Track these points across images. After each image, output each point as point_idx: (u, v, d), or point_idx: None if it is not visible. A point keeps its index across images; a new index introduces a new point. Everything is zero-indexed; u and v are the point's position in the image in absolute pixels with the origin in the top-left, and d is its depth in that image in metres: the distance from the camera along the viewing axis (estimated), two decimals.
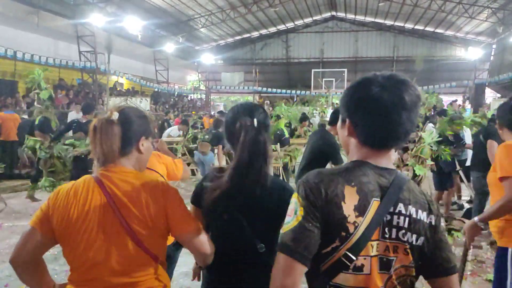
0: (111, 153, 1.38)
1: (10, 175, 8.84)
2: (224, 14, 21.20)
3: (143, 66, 22.17)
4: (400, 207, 1.07)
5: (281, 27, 26.17)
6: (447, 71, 24.82)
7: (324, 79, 23.16)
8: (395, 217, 1.07)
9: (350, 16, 25.48)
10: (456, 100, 24.33)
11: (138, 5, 17.13)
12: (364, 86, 1.09)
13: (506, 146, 2.26)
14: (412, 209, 1.08)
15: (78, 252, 1.35)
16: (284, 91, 24.90)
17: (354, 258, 1.02)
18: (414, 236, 1.08)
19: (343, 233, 1.02)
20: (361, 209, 1.03)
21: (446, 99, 24.12)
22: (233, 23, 23.25)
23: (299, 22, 26.21)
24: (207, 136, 7.12)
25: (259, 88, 26.33)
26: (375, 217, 1.04)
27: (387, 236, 1.06)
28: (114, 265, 1.34)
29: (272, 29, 26.45)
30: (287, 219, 1.06)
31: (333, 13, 25.71)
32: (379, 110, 1.06)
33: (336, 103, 23.25)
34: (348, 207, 1.03)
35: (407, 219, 1.07)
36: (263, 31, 26.56)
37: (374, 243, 1.04)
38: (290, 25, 26.20)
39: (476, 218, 2.19)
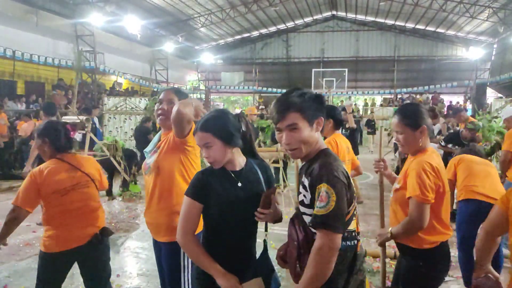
0: None
1: (6, 175, 8.85)
2: (224, 13, 21.13)
3: (142, 65, 22.09)
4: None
5: (281, 26, 26.09)
6: (448, 71, 24.75)
7: (324, 79, 23.06)
8: None
9: (351, 15, 25.40)
10: (457, 102, 24.29)
11: (138, 4, 17.05)
12: (322, 95, 1.66)
13: None
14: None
15: None
16: (284, 91, 24.68)
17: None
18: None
19: (354, 194, 1.53)
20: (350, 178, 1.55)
21: (447, 99, 24.10)
22: (233, 22, 23.18)
23: (299, 22, 26.13)
24: None
25: (259, 88, 26.25)
26: None
27: None
28: None
29: (272, 29, 26.38)
30: (320, 204, 1.43)
31: (334, 12, 25.64)
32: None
33: (337, 103, 23.19)
34: (350, 178, 1.53)
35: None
36: (263, 31, 26.48)
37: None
38: (290, 24, 26.12)
39: None
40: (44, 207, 2.51)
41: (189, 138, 2.16)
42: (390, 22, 24.71)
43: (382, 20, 24.62)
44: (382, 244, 2.33)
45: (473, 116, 17.83)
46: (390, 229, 2.20)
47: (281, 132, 1.57)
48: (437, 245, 2.12)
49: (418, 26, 24.05)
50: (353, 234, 1.54)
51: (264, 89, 25.95)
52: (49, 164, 2.51)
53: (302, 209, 1.58)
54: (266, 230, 1.87)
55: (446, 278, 3.75)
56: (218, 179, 1.78)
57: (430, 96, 22.86)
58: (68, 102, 13.86)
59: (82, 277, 2.64)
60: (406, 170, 2.18)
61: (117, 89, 18.51)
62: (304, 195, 1.55)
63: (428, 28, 24.07)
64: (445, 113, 21.36)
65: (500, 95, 21.21)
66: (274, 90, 24.92)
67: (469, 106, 23.29)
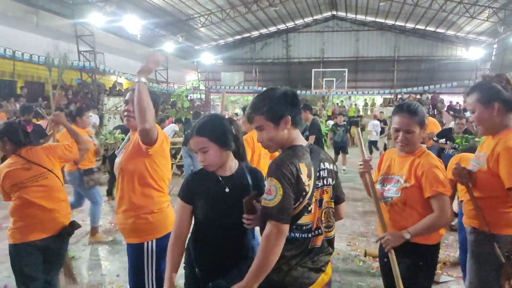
0: None
1: None
2: (224, 14, 21.12)
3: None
4: (322, 165, 1.72)
5: (281, 26, 26.09)
6: (448, 71, 24.75)
7: (324, 79, 23.06)
8: (321, 172, 1.71)
9: (351, 15, 25.40)
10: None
11: (138, 4, 17.05)
12: (291, 92, 1.73)
13: None
14: (327, 164, 1.76)
15: None
16: None
17: (311, 203, 1.64)
18: (330, 179, 1.76)
19: (304, 193, 1.61)
20: (309, 175, 1.63)
21: (447, 99, 24.10)
22: (233, 22, 23.18)
23: (299, 22, 26.13)
24: (189, 131, 7.24)
25: (259, 88, 26.22)
26: (314, 176, 1.65)
27: (319, 185, 1.69)
28: None
29: (272, 29, 26.38)
30: (268, 196, 1.55)
31: (334, 12, 25.64)
32: (299, 103, 1.76)
33: (337, 104, 23.18)
34: (304, 176, 1.60)
35: (326, 170, 1.73)
36: (263, 31, 26.48)
37: (315, 192, 1.67)
38: (290, 24, 26.13)
39: None
40: (11, 200, 2.70)
41: (156, 143, 2.10)
42: (390, 22, 24.71)
43: (382, 20, 24.62)
44: (391, 249, 2.06)
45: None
46: (407, 229, 2.05)
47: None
48: (440, 239, 2.18)
49: (418, 26, 24.05)
50: (304, 228, 1.65)
51: (264, 89, 25.89)
52: (7, 161, 2.73)
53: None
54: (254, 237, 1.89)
55: (446, 278, 3.76)
56: (207, 183, 1.82)
57: (429, 96, 22.88)
58: (68, 102, 13.86)
59: (43, 265, 2.73)
60: (412, 168, 2.11)
61: (118, 88, 18.50)
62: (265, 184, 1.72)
63: (428, 28, 24.06)
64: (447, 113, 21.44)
65: None
66: None
67: None
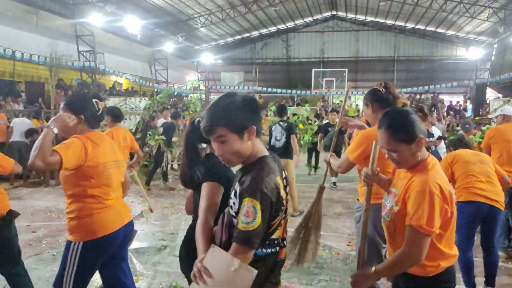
0: None
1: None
2: (224, 13, 21.13)
3: (142, 65, 22.08)
4: (283, 174, 1.64)
5: (281, 26, 26.11)
6: (448, 71, 24.76)
7: (324, 79, 23.04)
8: (284, 180, 1.61)
9: (351, 15, 25.42)
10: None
11: (138, 4, 17.06)
12: (250, 98, 1.59)
13: None
14: (283, 171, 1.65)
15: None
16: (284, 91, 24.81)
17: (285, 217, 1.62)
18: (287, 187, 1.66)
19: (283, 207, 1.56)
20: (284, 188, 1.58)
21: (447, 99, 24.13)
22: (233, 22, 23.19)
23: (299, 22, 26.15)
24: None
25: (259, 88, 26.24)
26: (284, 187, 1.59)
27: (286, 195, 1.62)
28: None
29: (272, 29, 26.39)
30: (246, 219, 1.44)
31: (334, 12, 25.66)
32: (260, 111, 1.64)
33: (337, 103, 23.20)
34: (282, 191, 1.55)
35: (285, 179, 1.63)
36: (263, 31, 26.49)
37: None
38: (290, 24, 26.14)
39: None
40: None
41: (65, 165, 2.18)
42: (390, 22, 24.72)
43: (382, 20, 24.63)
44: None
45: (474, 116, 17.87)
46: (374, 267, 1.80)
47: (214, 143, 1.57)
48: (443, 271, 1.81)
49: (418, 26, 24.06)
50: (275, 242, 1.57)
51: (264, 89, 25.94)
52: None
53: (232, 212, 1.57)
54: None
55: None
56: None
57: (430, 96, 22.89)
58: None
59: None
60: (404, 188, 1.80)
61: (117, 88, 18.51)
62: (234, 202, 1.56)
63: (428, 28, 24.07)
64: (445, 113, 21.45)
65: (500, 95, 21.22)
66: (274, 90, 24.93)
67: (469, 106, 23.35)
